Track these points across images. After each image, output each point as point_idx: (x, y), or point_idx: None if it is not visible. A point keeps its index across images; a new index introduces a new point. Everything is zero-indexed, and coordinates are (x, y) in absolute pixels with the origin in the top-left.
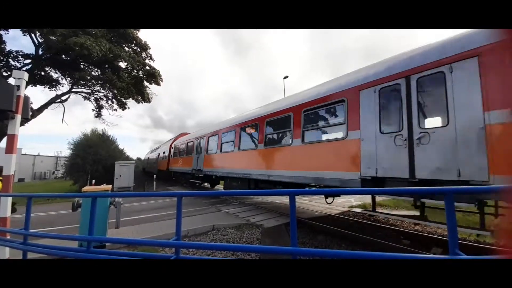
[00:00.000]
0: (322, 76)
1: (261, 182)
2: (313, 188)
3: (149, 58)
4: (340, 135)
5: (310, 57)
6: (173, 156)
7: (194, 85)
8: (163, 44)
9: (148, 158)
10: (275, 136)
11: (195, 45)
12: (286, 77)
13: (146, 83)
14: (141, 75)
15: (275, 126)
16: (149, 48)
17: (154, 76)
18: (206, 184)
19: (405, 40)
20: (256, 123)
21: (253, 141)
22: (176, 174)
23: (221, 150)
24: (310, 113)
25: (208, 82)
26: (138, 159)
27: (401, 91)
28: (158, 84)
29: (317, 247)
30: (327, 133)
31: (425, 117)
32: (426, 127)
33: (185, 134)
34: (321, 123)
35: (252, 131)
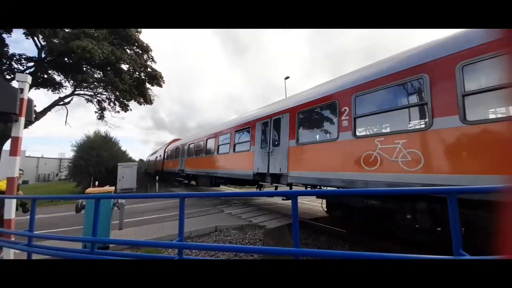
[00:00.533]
0: (323, 76)
1: (217, 178)
2: (315, 189)
3: (150, 60)
4: (247, 148)
5: (310, 57)
6: (166, 159)
7: (195, 86)
8: (164, 46)
9: (149, 160)
10: (220, 147)
11: (195, 46)
12: (287, 77)
13: (148, 85)
14: (143, 77)
15: (219, 140)
16: (151, 50)
17: (156, 78)
18: (193, 182)
19: (404, 40)
20: (213, 137)
21: (211, 150)
22: (169, 173)
23: (195, 155)
24: (224, 138)
25: (208, 83)
26: (141, 160)
27: (268, 125)
28: (160, 85)
29: (320, 248)
30: (243, 146)
31: (275, 141)
32: (273, 146)
33: (178, 139)
34: (240, 140)
35: (212, 142)
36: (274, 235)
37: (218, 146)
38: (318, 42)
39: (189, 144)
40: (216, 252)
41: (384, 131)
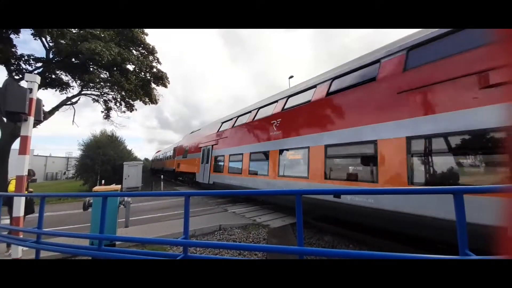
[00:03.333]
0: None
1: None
2: (320, 189)
3: (156, 61)
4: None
5: (313, 57)
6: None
7: (199, 87)
8: (168, 48)
9: (152, 160)
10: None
11: (199, 48)
12: (291, 77)
13: (153, 85)
14: (149, 77)
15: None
16: (156, 52)
17: (161, 79)
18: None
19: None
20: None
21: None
22: (164, 171)
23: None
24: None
25: (212, 83)
26: (146, 159)
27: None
28: (165, 86)
29: (324, 247)
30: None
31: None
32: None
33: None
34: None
35: (181, 151)
36: (278, 234)
37: (185, 151)
38: (321, 42)
39: (177, 149)
40: (221, 251)
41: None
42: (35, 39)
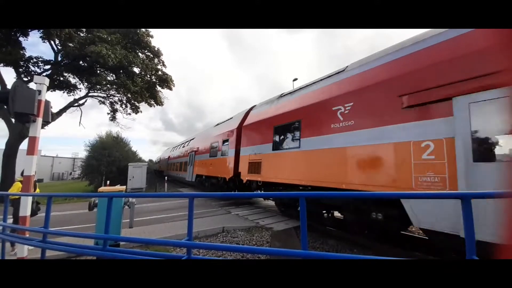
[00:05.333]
0: None
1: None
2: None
3: (161, 64)
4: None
5: (316, 59)
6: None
7: (202, 89)
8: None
9: (155, 161)
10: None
11: (203, 49)
12: (295, 79)
13: (158, 88)
14: (154, 80)
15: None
16: (162, 55)
17: (166, 81)
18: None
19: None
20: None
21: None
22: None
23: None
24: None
25: (216, 86)
26: (150, 160)
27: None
28: (170, 88)
29: (328, 252)
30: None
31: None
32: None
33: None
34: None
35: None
36: (281, 237)
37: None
38: (324, 44)
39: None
40: (224, 253)
41: None
42: (43, 42)
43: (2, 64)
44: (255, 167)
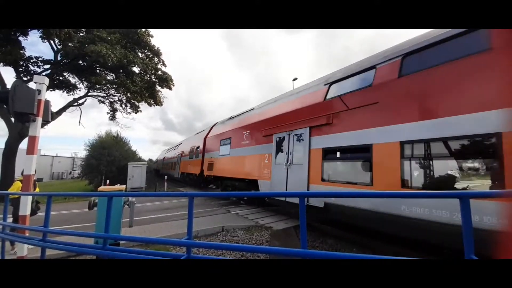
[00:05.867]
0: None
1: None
2: (324, 191)
3: (161, 63)
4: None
5: (316, 59)
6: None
7: (202, 88)
8: (173, 51)
9: (154, 161)
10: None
11: (202, 49)
12: (295, 79)
13: (158, 87)
14: (154, 80)
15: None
16: (161, 54)
17: (166, 81)
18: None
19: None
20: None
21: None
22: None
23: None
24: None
25: (215, 86)
26: (150, 160)
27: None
28: (170, 88)
29: (327, 251)
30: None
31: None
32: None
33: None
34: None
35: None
36: (281, 236)
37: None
38: (323, 44)
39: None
40: (223, 252)
41: None
42: (43, 42)
43: (1, 64)
44: (211, 166)
